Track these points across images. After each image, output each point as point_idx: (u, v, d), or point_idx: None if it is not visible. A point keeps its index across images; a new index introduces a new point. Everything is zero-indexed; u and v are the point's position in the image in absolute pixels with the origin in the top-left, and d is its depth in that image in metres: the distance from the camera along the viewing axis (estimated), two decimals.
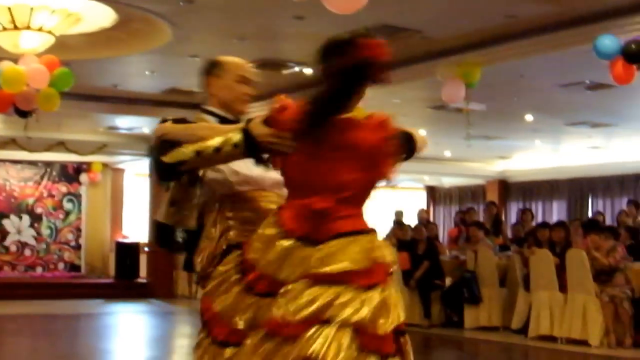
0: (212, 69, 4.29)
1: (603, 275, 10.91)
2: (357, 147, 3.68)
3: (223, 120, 4.17)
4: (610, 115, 15.34)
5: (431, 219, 23.58)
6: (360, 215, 3.78)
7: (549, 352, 10.70)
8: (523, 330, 11.81)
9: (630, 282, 10.92)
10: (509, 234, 15.96)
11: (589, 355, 10.29)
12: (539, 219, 20.59)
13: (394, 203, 21.90)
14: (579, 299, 10.93)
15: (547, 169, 22.20)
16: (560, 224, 12.68)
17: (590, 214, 20.29)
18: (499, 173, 23.85)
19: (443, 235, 19.57)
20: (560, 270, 11.26)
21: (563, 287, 11.23)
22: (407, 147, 3.93)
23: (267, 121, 3.77)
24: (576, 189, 22.37)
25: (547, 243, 11.89)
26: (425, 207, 24.04)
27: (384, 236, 15.82)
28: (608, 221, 16.88)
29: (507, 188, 24.23)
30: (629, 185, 20.81)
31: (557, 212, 22.68)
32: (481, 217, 17.52)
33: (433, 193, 26.87)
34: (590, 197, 22.13)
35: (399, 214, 19.29)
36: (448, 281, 13.48)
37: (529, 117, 15.71)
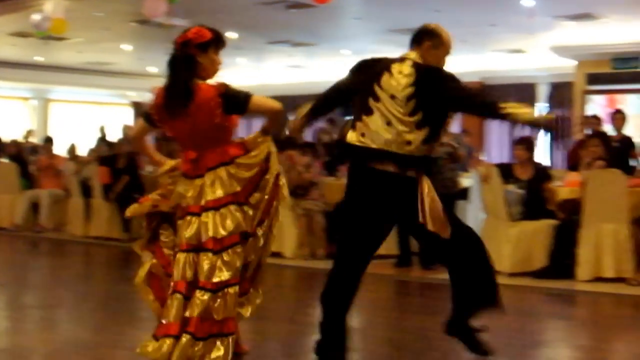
0: (432, 38, 5.55)
1: (299, 190, 11.36)
2: (198, 108, 5.09)
3: None
4: (311, 35, 15.77)
5: None
6: (219, 151, 5.21)
7: (276, 267, 10.97)
8: None
9: (324, 196, 11.41)
10: None
11: (283, 267, 10.56)
12: (241, 135, 20.92)
13: (99, 119, 21.64)
14: None
15: (249, 86, 22.15)
16: None
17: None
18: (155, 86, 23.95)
19: None
20: None
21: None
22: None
23: (149, 110, 5.36)
24: None
25: None
26: (130, 123, 23.82)
27: (88, 151, 15.69)
28: (309, 138, 17.46)
29: None
30: None
31: (259, 128, 23.04)
32: None
33: (138, 109, 26.67)
34: (290, 114, 22.61)
35: (102, 130, 19.14)
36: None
37: (232, 35, 15.91)
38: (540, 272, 8.91)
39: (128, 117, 25.85)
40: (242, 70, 20.98)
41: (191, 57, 5.19)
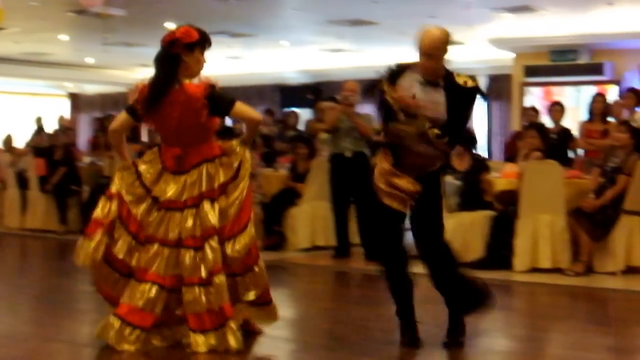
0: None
1: None
2: (183, 107, 5.49)
3: None
4: (250, 26, 15.67)
5: (75, 126, 23.19)
6: (202, 149, 5.64)
7: None
8: None
9: (261, 187, 11.39)
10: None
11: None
12: None
13: (35, 110, 21.33)
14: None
15: None
16: None
17: (229, 123, 20.74)
18: (140, 80, 23.75)
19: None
20: None
21: None
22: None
23: (133, 104, 5.70)
24: None
25: None
26: (66, 114, 23.55)
27: (24, 143, 15.48)
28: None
29: None
30: (266, 96, 21.51)
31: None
32: None
33: (76, 100, 26.41)
34: None
35: (38, 121, 18.86)
36: (86, 187, 13.42)
37: (169, 25, 15.74)
38: (478, 262, 8.95)
39: (65, 109, 25.51)
40: None
41: (177, 56, 5.57)
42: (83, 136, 21.60)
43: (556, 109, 11.55)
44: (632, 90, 11.40)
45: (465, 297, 5.88)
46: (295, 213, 10.94)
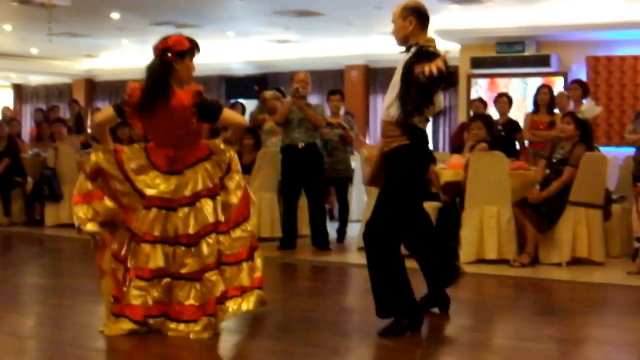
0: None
1: None
2: (174, 114, 5.70)
3: None
4: (196, 16, 15.56)
5: (19, 117, 22.94)
6: (195, 149, 5.89)
7: None
8: None
9: None
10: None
11: None
12: None
13: None
14: None
15: (133, 68, 22.12)
16: None
17: None
18: (86, 72, 23.60)
19: None
20: None
21: None
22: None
23: (122, 104, 5.91)
24: None
25: (128, 141, 11.99)
26: (10, 105, 23.25)
27: None
28: None
29: (93, 87, 24.07)
30: (212, 87, 21.35)
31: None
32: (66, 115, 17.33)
33: (20, 91, 26.10)
34: None
35: None
36: (30, 179, 13.23)
37: (115, 15, 15.61)
38: None
39: (8, 99, 25.17)
40: (126, 51, 20.64)
41: (169, 64, 5.81)
42: (27, 127, 21.30)
43: (503, 100, 11.59)
44: (578, 81, 11.45)
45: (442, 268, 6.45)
46: None
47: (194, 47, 5.97)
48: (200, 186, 5.85)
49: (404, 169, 5.94)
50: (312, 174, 10.02)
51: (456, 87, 17.44)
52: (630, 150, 10.05)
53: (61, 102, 22.23)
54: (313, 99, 10.36)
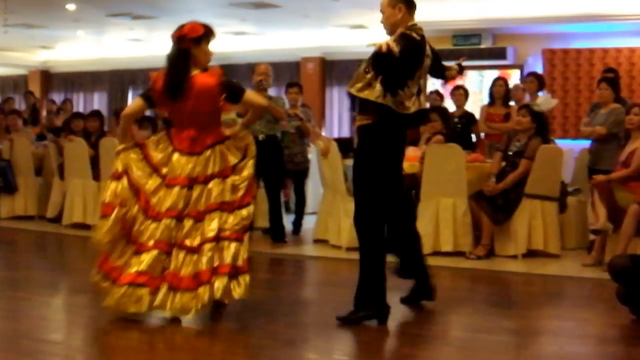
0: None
1: None
2: (200, 95, 6.09)
3: None
4: (152, 8, 15.44)
5: None
6: (214, 131, 6.25)
7: (83, 239, 10.71)
8: (58, 218, 11.82)
9: None
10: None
11: None
12: (81, 109, 20.54)
13: None
14: None
15: (89, 59, 22.08)
16: (95, 113, 12.64)
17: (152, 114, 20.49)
18: (41, 63, 23.34)
19: None
20: (95, 159, 11.37)
21: (97, 176, 11.34)
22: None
23: (149, 93, 6.31)
24: (117, 80, 22.51)
25: (81, 133, 11.91)
26: None
27: None
28: (148, 112, 17.08)
29: (49, 78, 23.83)
30: None
31: (98, 102, 22.72)
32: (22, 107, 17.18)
33: None
34: (130, 88, 22.43)
35: None
36: None
37: (70, 7, 15.43)
38: None
39: None
40: (81, 43, 20.44)
41: (187, 50, 6.18)
42: None
43: (459, 93, 11.59)
44: (534, 74, 11.48)
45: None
46: None
47: (209, 32, 6.34)
48: (215, 167, 6.17)
49: (365, 147, 6.19)
50: (271, 166, 9.96)
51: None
52: (586, 143, 10.09)
53: (16, 94, 21.96)
54: (269, 91, 10.30)
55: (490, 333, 6.04)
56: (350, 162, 9.36)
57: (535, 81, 10.98)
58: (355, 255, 6.38)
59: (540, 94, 10.85)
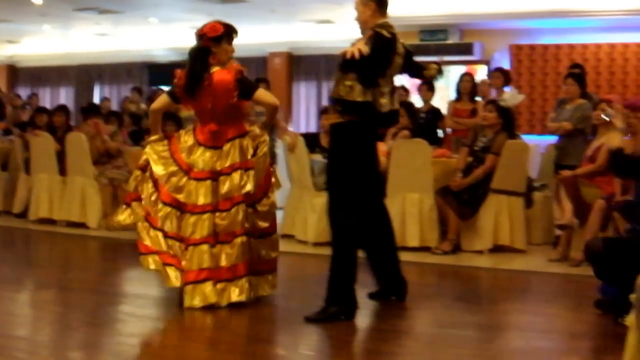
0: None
1: (104, 158, 11.11)
2: (217, 90, 6.37)
3: None
4: (118, 2, 15.38)
5: None
6: (236, 125, 6.53)
7: (49, 234, 10.69)
8: (24, 213, 11.74)
9: (127, 165, 11.18)
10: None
11: (87, 237, 10.45)
12: (48, 104, 20.40)
13: None
14: (78, 181, 11.02)
15: (56, 54, 21.94)
16: (61, 108, 12.55)
17: (97, 100, 20.39)
18: (7, 57, 23.18)
19: None
20: (61, 153, 11.29)
21: (63, 171, 11.27)
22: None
23: (174, 90, 6.61)
24: (84, 75, 22.37)
25: (47, 127, 11.83)
26: None
27: None
28: (114, 107, 17.03)
29: (15, 73, 23.67)
30: (134, 73, 21.19)
31: (64, 97, 22.59)
32: None
33: None
34: (97, 83, 22.33)
35: None
36: None
37: (37, 1, 15.31)
38: None
39: None
40: (48, 37, 20.32)
41: (206, 49, 6.50)
42: None
43: (426, 88, 11.60)
44: (500, 70, 11.53)
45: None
46: None
47: (229, 32, 6.62)
48: (235, 159, 6.44)
49: (335, 145, 6.23)
50: None
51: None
52: (552, 139, 10.13)
53: None
54: None
55: (457, 328, 6.06)
56: (317, 157, 9.39)
57: (501, 77, 11.03)
58: (322, 251, 6.39)
59: (506, 89, 10.90)
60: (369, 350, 5.70)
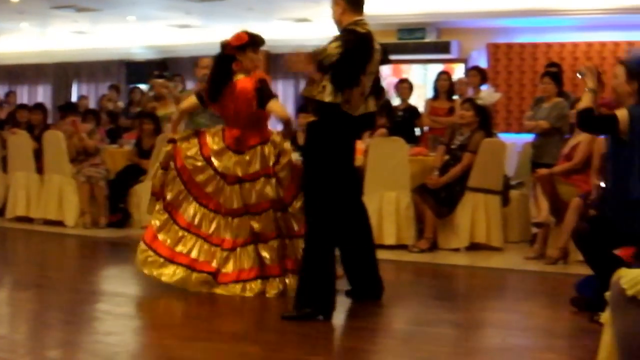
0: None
1: (82, 156, 11.08)
2: (239, 97, 6.66)
3: None
4: (96, 0, 15.34)
5: None
6: (258, 132, 6.81)
7: (26, 232, 10.65)
8: (1, 212, 11.68)
9: (105, 163, 11.16)
10: None
11: (64, 236, 10.41)
12: (25, 102, 20.30)
13: None
14: (56, 180, 10.99)
15: (33, 52, 21.85)
16: (38, 106, 12.51)
17: (74, 98, 20.33)
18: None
19: None
20: (39, 151, 11.26)
21: (41, 169, 11.23)
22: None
23: (202, 91, 7.06)
24: (61, 73, 22.30)
25: (25, 125, 11.78)
26: None
27: None
28: (92, 105, 16.99)
29: None
30: (112, 71, 21.15)
31: (42, 95, 22.51)
32: None
33: None
34: (74, 81, 22.25)
35: None
36: None
37: None
38: None
39: None
40: (25, 35, 20.23)
41: (230, 57, 6.78)
42: None
43: (403, 86, 11.64)
44: (477, 68, 11.57)
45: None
46: (139, 190, 10.68)
47: (255, 41, 6.93)
48: (256, 166, 6.71)
49: (310, 144, 6.20)
50: None
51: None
52: (529, 137, 10.18)
53: None
54: None
55: (434, 326, 6.08)
56: (294, 155, 9.38)
57: (478, 75, 11.06)
58: None
59: (483, 87, 10.94)
60: (346, 348, 5.72)
